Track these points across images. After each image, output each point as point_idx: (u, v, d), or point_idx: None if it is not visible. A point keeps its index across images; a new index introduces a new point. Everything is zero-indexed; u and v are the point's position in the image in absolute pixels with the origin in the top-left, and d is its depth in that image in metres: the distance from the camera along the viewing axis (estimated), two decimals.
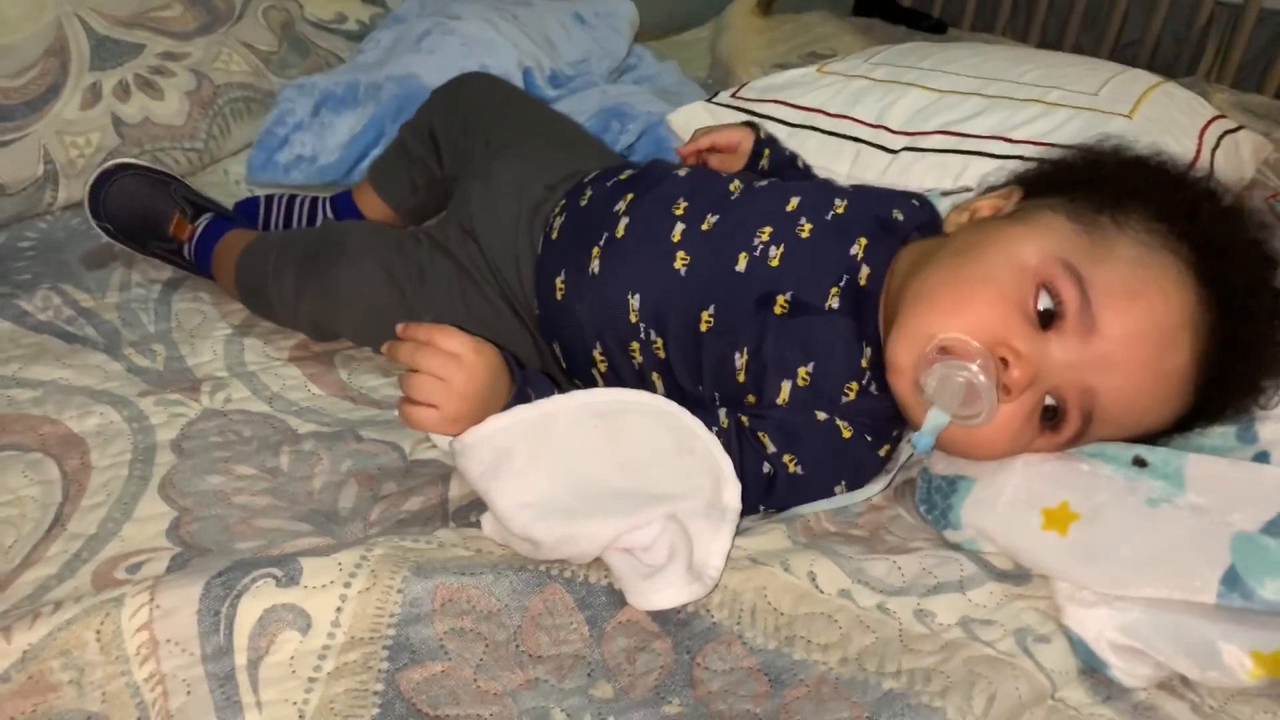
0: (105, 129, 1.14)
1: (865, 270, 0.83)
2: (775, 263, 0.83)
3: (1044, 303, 0.72)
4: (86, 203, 1.05)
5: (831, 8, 2.18)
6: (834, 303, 0.82)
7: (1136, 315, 0.71)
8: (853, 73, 1.32)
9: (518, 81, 1.32)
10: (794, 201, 0.87)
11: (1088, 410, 0.73)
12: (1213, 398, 0.75)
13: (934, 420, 0.74)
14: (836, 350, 0.81)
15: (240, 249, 1.02)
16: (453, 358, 0.73)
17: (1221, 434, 0.79)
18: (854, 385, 0.80)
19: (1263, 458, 0.76)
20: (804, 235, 0.84)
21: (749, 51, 1.84)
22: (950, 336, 0.73)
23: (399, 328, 0.76)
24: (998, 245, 0.77)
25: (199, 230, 1.05)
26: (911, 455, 0.83)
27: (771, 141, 1.07)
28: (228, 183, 1.22)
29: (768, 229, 0.84)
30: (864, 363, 0.82)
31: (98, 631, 0.58)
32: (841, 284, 0.82)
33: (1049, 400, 0.73)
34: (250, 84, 1.26)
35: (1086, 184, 0.81)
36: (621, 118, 1.32)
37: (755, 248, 0.84)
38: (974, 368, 0.71)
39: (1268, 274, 0.77)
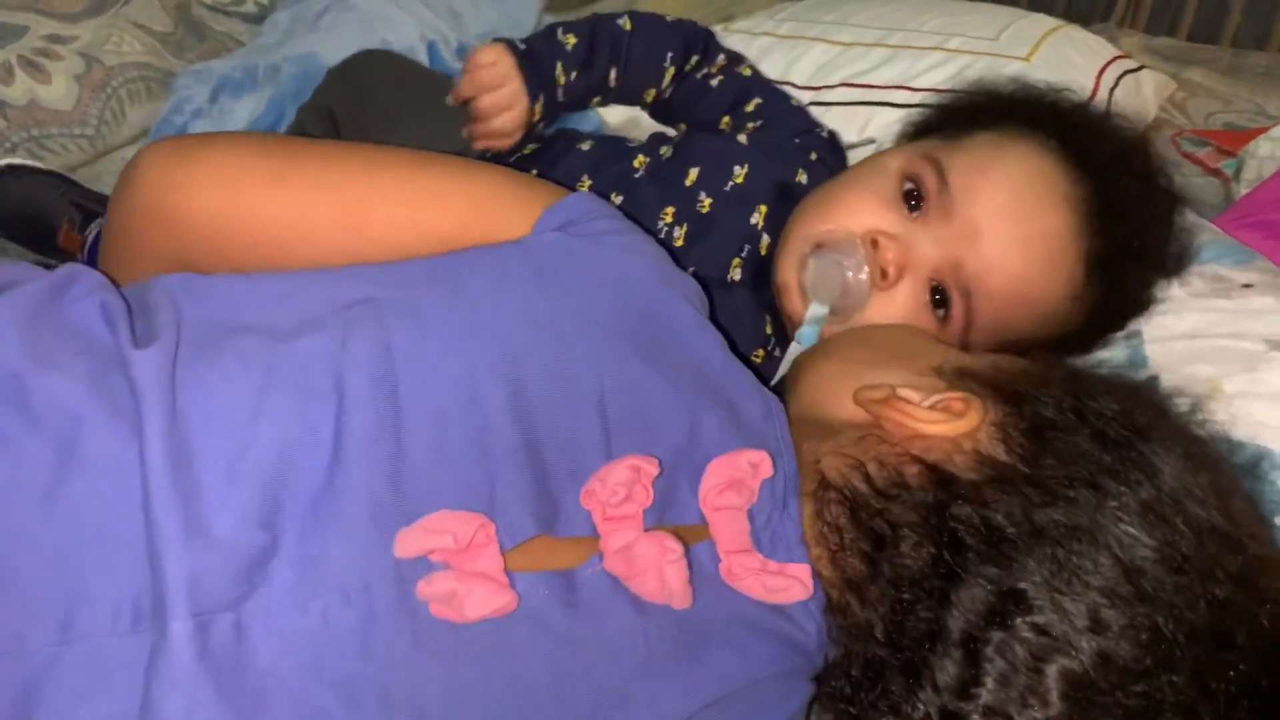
0: None
1: (765, 240, 0.84)
2: (680, 243, 0.84)
3: (906, 186, 0.75)
4: None
5: None
6: (736, 274, 0.83)
7: (992, 182, 0.73)
8: (758, 30, 1.32)
9: (421, 55, 1.30)
10: (693, 174, 0.86)
11: (966, 287, 0.73)
12: (1112, 275, 0.75)
13: (814, 312, 0.75)
14: (741, 321, 0.82)
15: None
16: None
17: (1114, 360, 0.80)
18: (760, 352, 0.81)
19: (1154, 381, 0.77)
20: (704, 210, 0.85)
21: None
22: (822, 230, 0.75)
23: None
24: (867, 162, 0.81)
25: (89, 240, 1.03)
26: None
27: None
28: None
29: (670, 209, 0.85)
30: (768, 329, 0.83)
31: None
32: (743, 254, 0.83)
33: (933, 284, 0.74)
34: (148, 63, 1.22)
35: (966, 120, 0.83)
36: None
37: (660, 230, 0.84)
38: (844, 252, 0.73)
39: (1133, 151, 0.80)
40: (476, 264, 0.54)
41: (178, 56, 1.28)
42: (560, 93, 0.89)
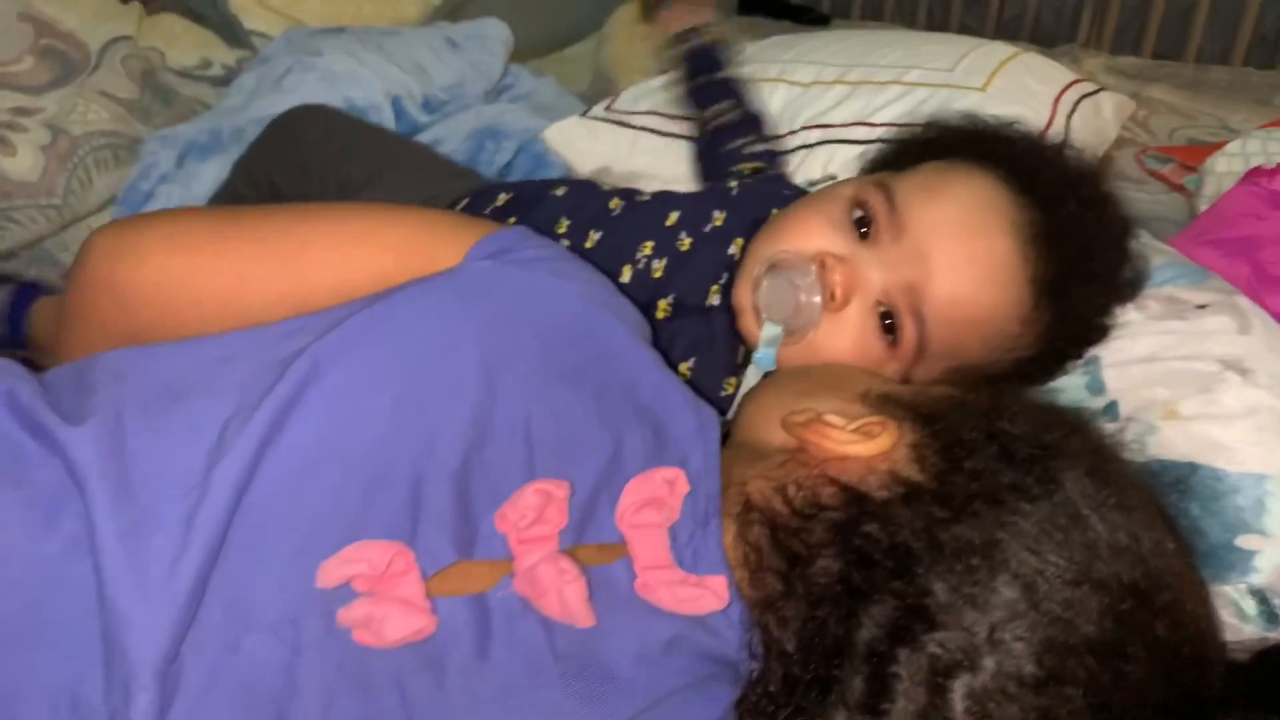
0: None
1: None
2: (659, 274, 0.86)
3: (856, 213, 0.77)
4: None
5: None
6: (715, 300, 0.84)
7: (939, 204, 0.75)
8: None
9: (387, 111, 1.32)
10: (673, 217, 0.89)
11: (917, 310, 0.74)
12: (1060, 299, 0.76)
13: (769, 332, 0.76)
14: (717, 346, 0.82)
15: None
16: None
17: (1073, 386, 0.80)
18: (733, 380, 0.81)
19: (1113, 409, 0.78)
20: (684, 249, 0.87)
21: (633, 60, 1.84)
22: (775, 252, 0.77)
23: None
24: (821, 190, 0.83)
25: (7, 301, 1.03)
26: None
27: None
28: None
29: (649, 243, 0.87)
30: (739, 359, 0.83)
31: None
32: (722, 281, 0.85)
33: (882, 308, 0.75)
34: (114, 131, 1.23)
35: (918, 155, 0.84)
36: (496, 137, 1.32)
37: (638, 261, 0.86)
38: (797, 272, 0.75)
39: (1081, 179, 0.81)
40: (406, 297, 0.55)
41: (145, 123, 1.29)
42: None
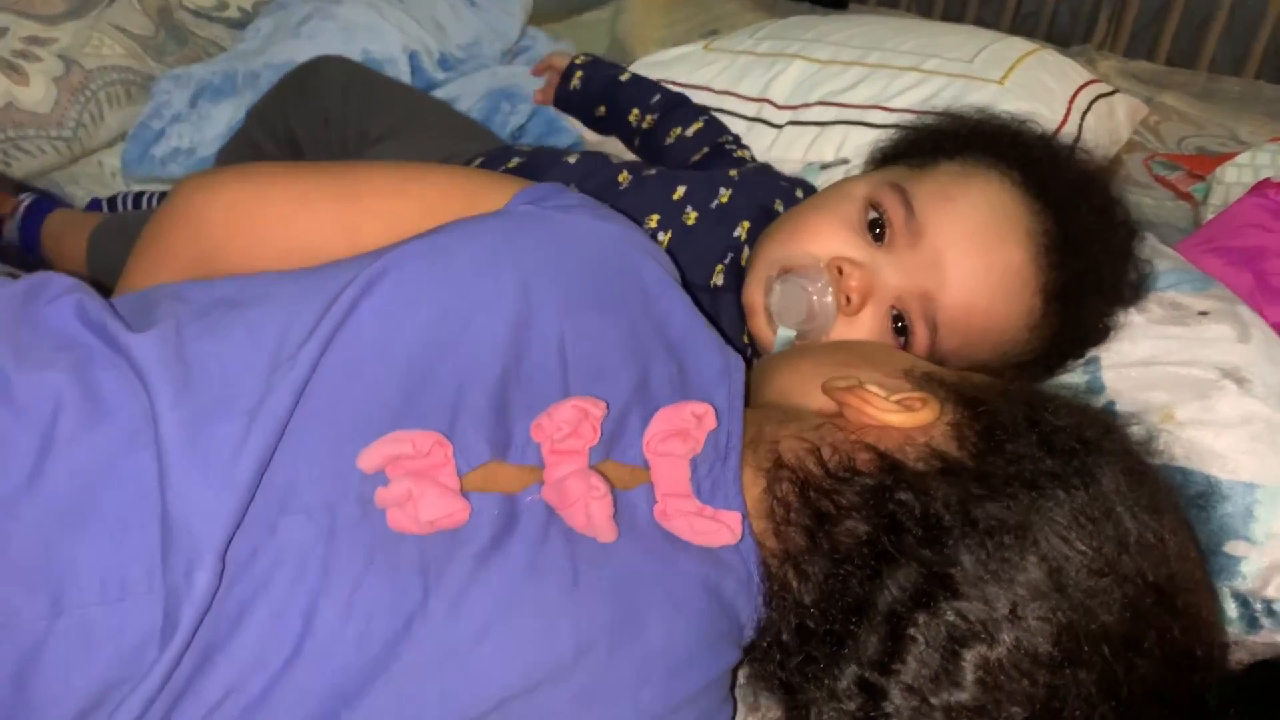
0: None
1: (748, 251, 0.86)
2: (663, 248, 0.85)
3: (871, 215, 0.76)
4: None
5: None
6: (719, 280, 0.85)
7: (958, 213, 0.74)
8: (738, 48, 1.33)
9: (403, 65, 1.31)
10: (680, 190, 0.89)
11: (930, 317, 0.75)
12: (1069, 307, 0.77)
13: (781, 336, 0.77)
14: (721, 323, 0.83)
15: (92, 228, 1.00)
16: None
17: (1072, 385, 0.81)
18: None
19: (1110, 409, 0.78)
20: (690, 222, 0.87)
21: (649, 31, 1.84)
22: (788, 255, 0.77)
23: None
24: (834, 189, 0.82)
25: (23, 205, 1.05)
26: None
27: (591, 65, 1.15)
28: (103, 174, 1.20)
29: (655, 216, 0.87)
30: (746, 338, 0.84)
31: None
32: (726, 262, 0.85)
33: (895, 312, 0.76)
34: (128, 67, 1.23)
35: (932, 148, 0.84)
36: (511, 99, 1.31)
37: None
38: (809, 278, 0.75)
39: (1093, 185, 0.81)
40: (454, 226, 0.59)
41: (158, 60, 1.28)
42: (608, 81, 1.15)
